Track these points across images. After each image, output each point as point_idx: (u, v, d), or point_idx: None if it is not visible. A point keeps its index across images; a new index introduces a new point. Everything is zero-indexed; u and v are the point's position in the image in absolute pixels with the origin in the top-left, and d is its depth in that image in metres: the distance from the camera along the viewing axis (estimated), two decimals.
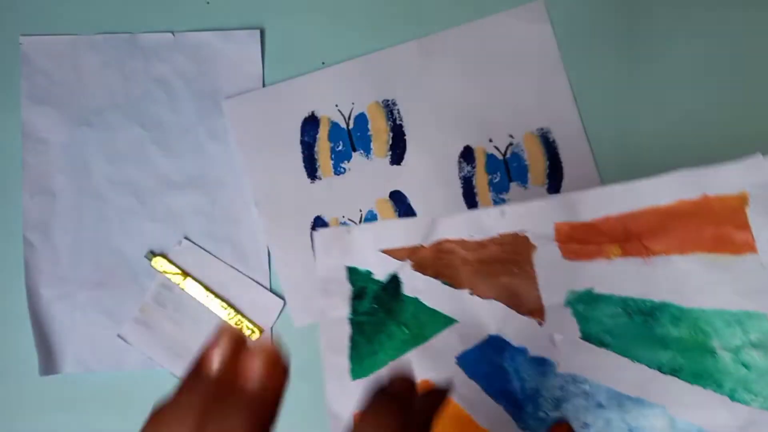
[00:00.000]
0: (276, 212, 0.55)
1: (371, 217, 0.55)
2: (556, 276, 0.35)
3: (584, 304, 0.34)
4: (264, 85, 0.56)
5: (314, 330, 0.54)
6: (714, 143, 0.55)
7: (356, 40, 0.56)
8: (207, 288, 0.54)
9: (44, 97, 0.56)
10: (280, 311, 0.54)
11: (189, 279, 0.54)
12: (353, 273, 0.39)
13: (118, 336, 0.54)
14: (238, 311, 0.54)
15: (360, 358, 0.36)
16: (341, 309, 0.38)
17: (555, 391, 0.33)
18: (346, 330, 0.37)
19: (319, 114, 0.56)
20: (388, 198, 0.55)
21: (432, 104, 0.56)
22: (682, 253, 0.34)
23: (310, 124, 0.56)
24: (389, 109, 0.56)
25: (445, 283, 0.36)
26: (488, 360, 0.35)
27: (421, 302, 0.37)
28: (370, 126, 0.56)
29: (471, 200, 0.55)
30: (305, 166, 0.56)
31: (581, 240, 0.35)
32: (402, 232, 0.39)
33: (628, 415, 0.32)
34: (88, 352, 0.54)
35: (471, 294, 0.36)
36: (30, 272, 0.54)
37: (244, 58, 0.56)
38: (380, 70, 0.56)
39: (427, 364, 0.35)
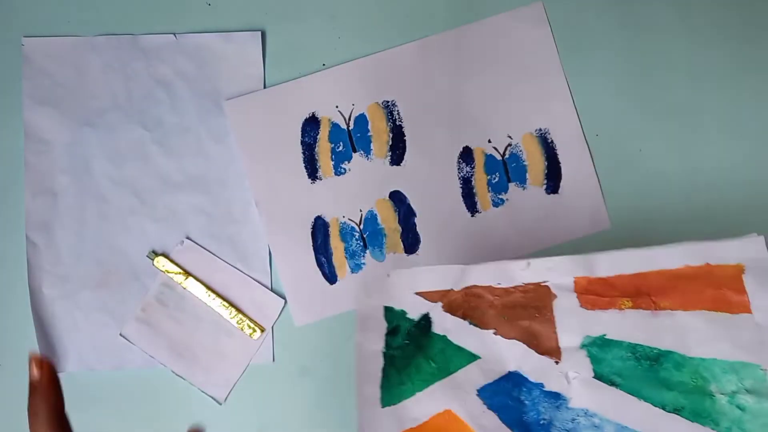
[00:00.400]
0: (277, 212, 0.55)
1: (371, 217, 0.56)
2: (573, 322, 0.40)
3: (597, 347, 0.39)
4: (265, 87, 0.56)
5: (314, 329, 0.55)
6: (711, 144, 0.56)
7: (357, 42, 0.57)
8: (208, 287, 0.55)
9: (46, 98, 0.56)
10: (281, 310, 0.55)
11: (191, 278, 0.55)
12: (389, 312, 0.42)
13: (120, 335, 0.54)
14: (239, 310, 0.55)
15: (390, 388, 0.40)
16: (377, 343, 0.41)
17: (567, 424, 0.38)
18: (379, 362, 0.41)
19: (319, 115, 0.56)
20: (388, 198, 0.56)
21: (431, 105, 0.56)
22: (686, 310, 0.39)
23: (311, 124, 0.56)
24: (389, 110, 0.56)
25: (471, 324, 0.41)
26: (507, 393, 0.39)
27: (448, 340, 0.41)
28: (370, 127, 0.56)
29: (470, 200, 0.56)
30: (306, 167, 0.56)
31: (597, 293, 0.40)
32: (436, 278, 0.42)
33: None
34: (91, 351, 0.54)
35: (494, 334, 0.41)
36: (32, 272, 0.54)
37: (245, 59, 0.56)
38: (380, 72, 0.57)
39: (450, 394, 0.39)
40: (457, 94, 0.56)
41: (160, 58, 0.56)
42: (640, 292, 0.40)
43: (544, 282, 0.41)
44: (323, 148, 0.56)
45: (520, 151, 0.56)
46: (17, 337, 0.54)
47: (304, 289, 0.55)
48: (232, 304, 0.55)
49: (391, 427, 0.39)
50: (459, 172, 0.56)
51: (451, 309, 0.41)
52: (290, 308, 0.55)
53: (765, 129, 0.56)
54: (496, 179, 0.56)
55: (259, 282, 0.55)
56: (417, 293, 0.42)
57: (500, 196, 0.56)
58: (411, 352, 0.41)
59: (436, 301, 0.42)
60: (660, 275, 0.40)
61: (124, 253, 0.55)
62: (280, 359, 0.54)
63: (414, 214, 0.56)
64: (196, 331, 0.54)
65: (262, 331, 0.54)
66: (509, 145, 0.56)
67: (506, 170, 0.56)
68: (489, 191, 0.56)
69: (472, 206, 0.56)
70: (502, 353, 0.40)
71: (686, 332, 0.39)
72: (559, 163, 0.56)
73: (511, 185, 0.56)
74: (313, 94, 0.56)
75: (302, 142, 0.56)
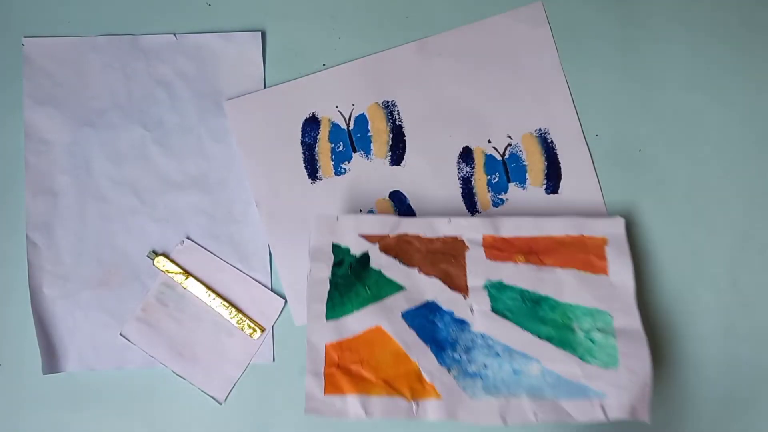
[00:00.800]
0: (277, 212, 0.56)
1: None
2: (479, 268, 0.52)
3: (496, 289, 0.52)
4: (265, 87, 0.56)
5: None
6: (711, 143, 0.56)
7: (357, 42, 0.57)
8: (209, 287, 0.55)
9: (46, 97, 0.56)
10: (281, 310, 0.55)
11: (191, 278, 0.55)
12: (336, 248, 0.52)
13: (121, 335, 0.54)
14: (239, 310, 0.55)
15: (333, 306, 0.51)
16: (325, 272, 0.52)
17: (468, 342, 0.51)
18: (326, 287, 0.52)
19: (319, 115, 0.56)
20: (388, 198, 0.56)
21: (431, 105, 0.56)
22: (563, 267, 0.52)
23: (311, 125, 0.56)
24: (389, 110, 0.56)
25: (401, 263, 0.52)
26: (424, 317, 0.51)
27: (382, 273, 0.52)
28: (370, 127, 0.56)
29: (470, 200, 0.56)
30: (306, 167, 0.56)
31: (499, 248, 0.53)
32: (376, 224, 0.53)
33: (515, 362, 0.50)
34: (91, 350, 0.54)
35: (419, 272, 0.52)
36: (33, 272, 0.55)
37: (246, 59, 0.56)
38: (380, 72, 0.57)
39: (380, 315, 0.51)
40: (457, 94, 0.57)
41: (160, 58, 0.56)
42: (532, 251, 0.53)
43: (460, 236, 0.53)
44: (323, 148, 0.56)
45: (520, 151, 0.56)
46: (17, 337, 0.54)
47: (304, 289, 0.55)
48: (232, 304, 0.55)
49: (333, 336, 0.51)
50: (459, 172, 0.56)
51: (386, 250, 0.52)
52: (290, 308, 0.55)
53: (765, 128, 0.56)
54: (496, 179, 0.56)
55: (259, 282, 0.55)
56: (360, 235, 0.53)
57: (500, 196, 0.56)
58: (352, 281, 0.52)
59: (374, 243, 0.52)
60: (547, 240, 0.53)
61: (125, 252, 0.55)
62: (281, 359, 0.55)
63: (414, 214, 0.56)
64: (197, 331, 0.54)
65: (263, 331, 0.54)
66: (509, 145, 0.56)
67: (506, 170, 0.56)
68: (489, 191, 0.56)
69: (472, 206, 0.56)
70: (423, 287, 0.52)
71: (561, 284, 0.52)
72: (559, 163, 0.56)
73: (511, 185, 0.56)
74: (313, 94, 0.56)
75: (302, 142, 0.56)
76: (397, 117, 0.56)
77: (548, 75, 0.57)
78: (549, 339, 0.50)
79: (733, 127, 0.56)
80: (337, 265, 0.52)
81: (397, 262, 0.52)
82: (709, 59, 0.57)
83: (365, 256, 0.52)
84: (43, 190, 0.55)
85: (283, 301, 0.55)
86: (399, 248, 0.52)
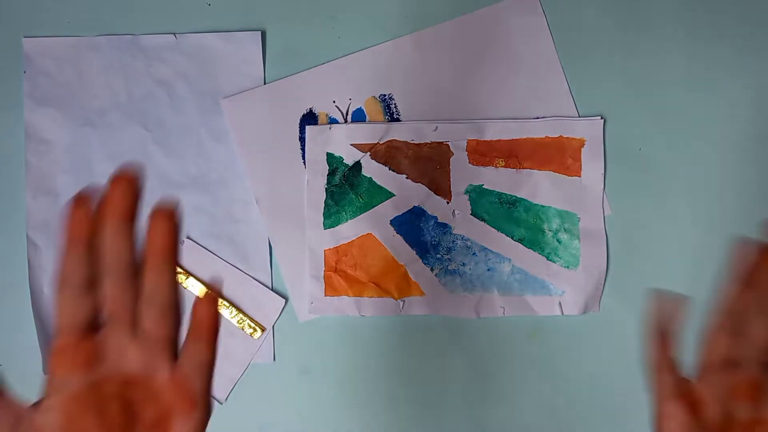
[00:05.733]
0: (277, 209, 0.55)
1: None
2: (462, 174, 0.55)
3: (476, 194, 0.55)
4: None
5: (315, 329, 0.55)
6: (711, 143, 0.56)
7: (356, 42, 0.57)
8: (209, 287, 0.55)
9: (47, 98, 0.56)
10: (282, 310, 0.55)
11: (191, 278, 0.55)
12: (330, 157, 0.56)
13: None
14: (240, 310, 0.55)
15: (330, 215, 0.55)
16: (321, 181, 0.55)
17: (449, 244, 0.55)
18: (322, 195, 0.55)
19: (316, 110, 0.56)
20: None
21: (428, 98, 0.56)
22: (539, 169, 0.55)
23: (308, 120, 0.56)
24: (386, 103, 0.56)
25: (390, 169, 0.56)
26: (411, 222, 0.55)
27: (373, 180, 0.55)
28: (367, 121, 0.56)
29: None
30: (305, 163, 0.56)
31: (482, 152, 0.55)
32: (366, 133, 0.55)
33: (489, 261, 0.55)
34: None
35: (406, 178, 0.55)
36: (34, 272, 0.55)
37: (246, 59, 0.56)
38: (376, 66, 0.56)
39: (372, 222, 0.55)
40: (454, 87, 0.56)
41: (160, 58, 0.56)
42: (512, 154, 0.55)
43: (446, 141, 0.55)
44: None
45: None
46: (18, 337, 0.54)
47: (305, 284, 0.55)
48: (232, 304, 0.55)
49: (330, 242, 0.55)
50: None
51: (376, 157, 0.55)
52: (293, 304, 0.55)
53: (765, 127, 0.56)
54: None
55: (259, 281, 0.55)
56: (352, 144, 0.55)
57: None
58: (345, 189, 0.55)
59: (365, 152, 0.55)
60: (527, 142, 0.55)
61: None
62: (281, 359, 0.54)
63: None
64: None
65: (263, 330, 0.54)
66: None
67: None
68: None
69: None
70: (410, 193, 0.55)
71: (536, 186, 0.55)
72: None
73: None
74: (310, 89, 0.56)
75: (300, 138, 0.56)
76: (394, 110, 0.56)
77: (545, 65, 0.55)
78: (521, 240, 0.55)
79: (733, 127, 0.56)
80: (331, 174, 0.55)
81: (387, 169, 0.55)
82: (709, 58, 0.56)
83: (357, 165, 0.55)
84: (43, 190, 0.55)
85: (284, 300, 0.55)
86: (388, 155, 0.55)
